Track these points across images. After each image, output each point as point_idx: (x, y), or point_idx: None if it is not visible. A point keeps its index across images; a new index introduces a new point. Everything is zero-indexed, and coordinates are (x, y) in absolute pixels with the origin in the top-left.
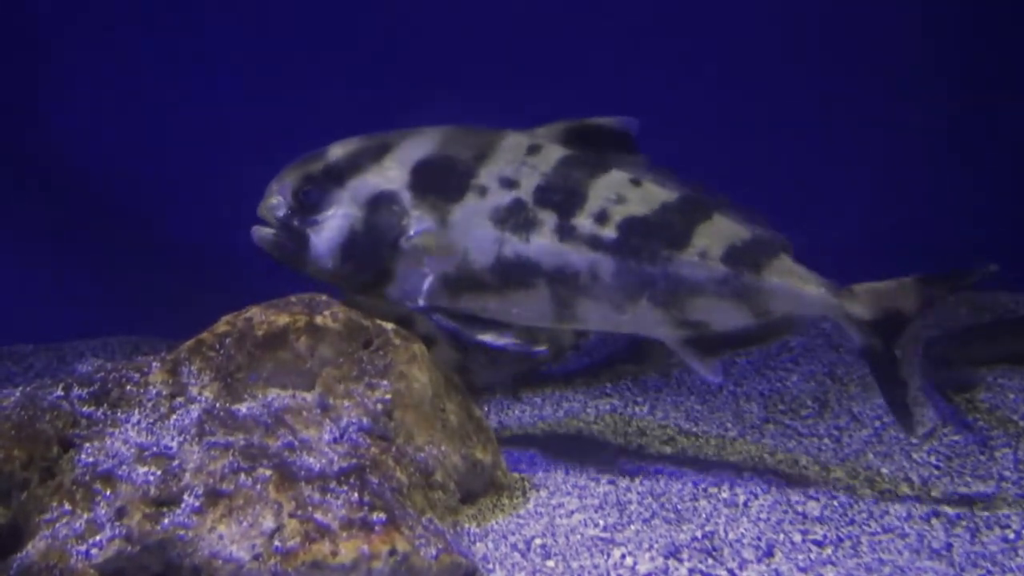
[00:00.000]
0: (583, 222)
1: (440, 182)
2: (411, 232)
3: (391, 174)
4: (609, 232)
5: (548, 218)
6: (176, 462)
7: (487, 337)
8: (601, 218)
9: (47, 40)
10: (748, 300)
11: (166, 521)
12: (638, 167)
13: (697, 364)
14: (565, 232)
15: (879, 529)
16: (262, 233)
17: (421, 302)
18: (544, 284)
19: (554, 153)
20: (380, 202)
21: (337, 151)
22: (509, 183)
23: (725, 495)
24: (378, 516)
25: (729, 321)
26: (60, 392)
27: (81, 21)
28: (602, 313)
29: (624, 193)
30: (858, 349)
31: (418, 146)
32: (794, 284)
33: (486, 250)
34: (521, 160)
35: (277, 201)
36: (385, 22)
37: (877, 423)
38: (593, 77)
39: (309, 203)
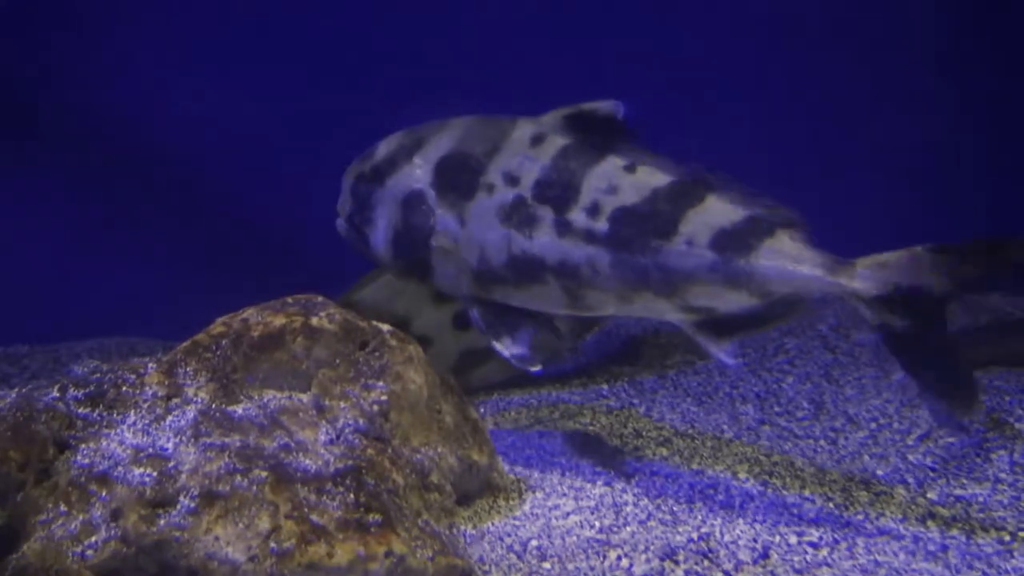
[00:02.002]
0: (577, 216)
1: (457, 180)
2: (437, 230)
3: (419, 173)
4: (602, 225)
5: (546, 214)
6: (172, 463)
7: (498, 345)
8: (594, 211)
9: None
10: (743, 284)
11: (162, 522)
12: (634, 152)
13: (712, 347)
14: (562, 227)
15: (875, 531)
16: (339, 226)
17: (464, 292)
18: (553, 279)
19: (553, 144)
20: (411, 202)
21: (382, 149)
22: (512, 179)
23: (721, 497)
24: (374, 518)
25: (732, 305)
26: (56, 393)
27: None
28: (611, 303)
29: (616, 182)
30: (871, 330)
31: (441, 142)
32: (787, 265)
33: (498, 248)
34: (523, 154)
35: (344, 197)
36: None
37: (873, 425)
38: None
39: (362, 201)
